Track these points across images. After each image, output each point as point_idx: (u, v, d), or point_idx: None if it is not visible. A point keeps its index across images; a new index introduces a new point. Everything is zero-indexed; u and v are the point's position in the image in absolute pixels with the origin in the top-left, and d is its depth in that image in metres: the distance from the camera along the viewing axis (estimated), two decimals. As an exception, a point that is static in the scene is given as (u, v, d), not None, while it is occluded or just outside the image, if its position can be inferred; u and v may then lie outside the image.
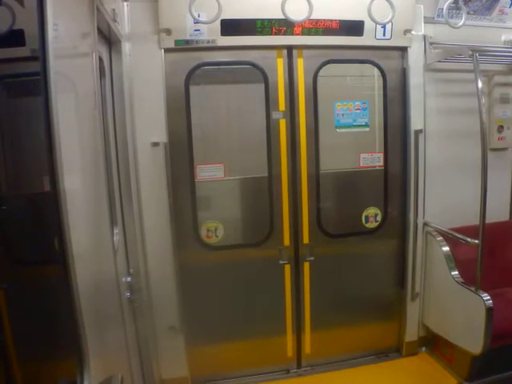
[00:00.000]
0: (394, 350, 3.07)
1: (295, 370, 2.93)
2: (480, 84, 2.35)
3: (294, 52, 2.60)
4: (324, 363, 2.94)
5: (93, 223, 1.44)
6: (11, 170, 1.50)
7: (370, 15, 2.33)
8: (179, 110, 2.50)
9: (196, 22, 2.28)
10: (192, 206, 2.60)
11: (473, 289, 2.45)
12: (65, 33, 1.20)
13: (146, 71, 2.40)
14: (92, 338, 1.12)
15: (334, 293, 2.91)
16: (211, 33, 2.39)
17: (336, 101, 2.71)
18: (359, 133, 2.79)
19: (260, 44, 2.50)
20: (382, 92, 2.77)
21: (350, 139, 2.82)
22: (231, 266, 2.73)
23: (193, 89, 2.51)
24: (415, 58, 2.72)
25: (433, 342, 2.98)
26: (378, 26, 2.53)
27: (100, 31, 1.92)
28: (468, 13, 2.64)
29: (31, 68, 1.08)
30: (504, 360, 2.59)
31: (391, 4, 2.32)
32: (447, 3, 2.47)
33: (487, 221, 2.40)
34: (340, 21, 2.50)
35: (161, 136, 2.44)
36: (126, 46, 2.33)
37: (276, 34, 2.46)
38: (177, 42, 2.39)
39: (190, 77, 2.50)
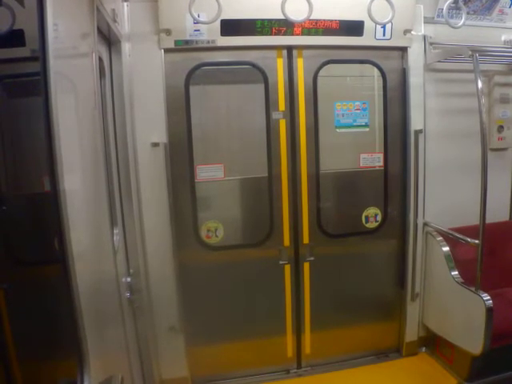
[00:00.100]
0: (393, 350, 3.07)
1: (295, 371, 2.93)
2: (480, 84, 2.35)
3: (294, 52, 2.60)
4: (324, 363, 2.94)
5: (93, 223, 1.44)
6: (11, 170, 1.50)
7: (369, 15, 2.33)
8: (179, 110, 2.50)
9: (196, 22, 2.28)
10: (192, 206, 2.60)
11: (473, 289, 2.45)
12: (65, 33, 1.20)
13: (145, 71, 2.40)
14: (92, 339, 1.12)
15: (334, 293, 2.91)
16: (211, 33, 2.39)
17: (336, 101, 2.71)
18: (359, 133, 2.79)
19: (260, 44, 2.50)
20: (381, 92, 2.76)
21: (350, 139, 2.82)
22: (231, 266, 2.73)
23: (193, 89, 2.51)
24: (415, 58, 2.71)
25: (433, 342, 2.98)
26: (378, 26, 2.53)
27: (100, 31, 1.92)
28: (468, 13, 2.64)
29: (31, 68, 1.08)
30: (504, 360, 2.59)
31: (391, 4, 2.32)
32: (447, 3, 2.47)
33: (487, 221, 2.40)
34: (340, 21, 2.50)
35: (161, 136, 2.44)
36: (126, 46, 2.33)
37: (276, 34, 2.46)
38: (177, 42, 2.39)
39: (190, 77, 2.50)
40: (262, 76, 2.58)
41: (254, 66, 2.58)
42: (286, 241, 2.76)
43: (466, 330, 2.53)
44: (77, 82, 1.36)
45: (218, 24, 2.34)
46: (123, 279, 2.10)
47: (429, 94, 2.78)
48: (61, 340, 1.26)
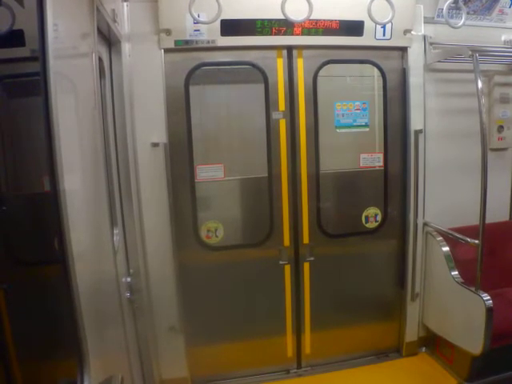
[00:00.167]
0: (393, 350, 3.07)
1: (295, 371, 2.93)
2: (480, 84, 2.35)
3: (294, 52, 2.60)
4: (324, 363, 2.94)
5: (93, 223, 1.44)
6: (11, 170, 1.50)
7: (369, 15, 2.33)
8: (179, 110, 2.50)
9: (196, 22, 2.28)
10: (192, 206, 2.60)
11: (473, 289, 2.45)
12: (65, 33, 1.20)
13: (145, 71, 2.39)
14: (92, 339, 1.12)
15: (334, 293, 2.91)
16: (211, 33, 2.39)
17: (336, 101, 2.71)
18: (359, 133, 2.79)
19: (260, 44, 2.50)
20: (381, 92, 2.76)
21: (350, 139, 2.82)
22: (231, 266, 2.73)
23: (193, 89, 2.51)
24: (415, 58, 2.71)
25: (433, 342, 2.98)
26: (378, 26, 2.53)
27: (100, 31, 1.92)
28: (468, 13, 2.63)
29: (31, 68, 1.08)
30: (504, 360, 2.59)
31: (391, 4, 2.32)
32: (447, 3, 2.47)
33: (487, 221, 2.40)
34: (340, 21, 2.50)
35: (161, 136, 2.44)
36: (126, 47, 2.33)
37: (276, 34, 2.46)
38: (176, 42, 2.39)
39: (190, 77, 2.50)
40: (261, 76, 2.58)
41: (254, 66, 2.58)
42: (286, 241, 2.76)
43: (466, 330, 2.53)
44: (77, 82, 1.36)
45: (217, 24, 2.34)
46: (123, 279, 2.09)
47: (429, 94, 2.78)
48: (61, 340, 1.26)
